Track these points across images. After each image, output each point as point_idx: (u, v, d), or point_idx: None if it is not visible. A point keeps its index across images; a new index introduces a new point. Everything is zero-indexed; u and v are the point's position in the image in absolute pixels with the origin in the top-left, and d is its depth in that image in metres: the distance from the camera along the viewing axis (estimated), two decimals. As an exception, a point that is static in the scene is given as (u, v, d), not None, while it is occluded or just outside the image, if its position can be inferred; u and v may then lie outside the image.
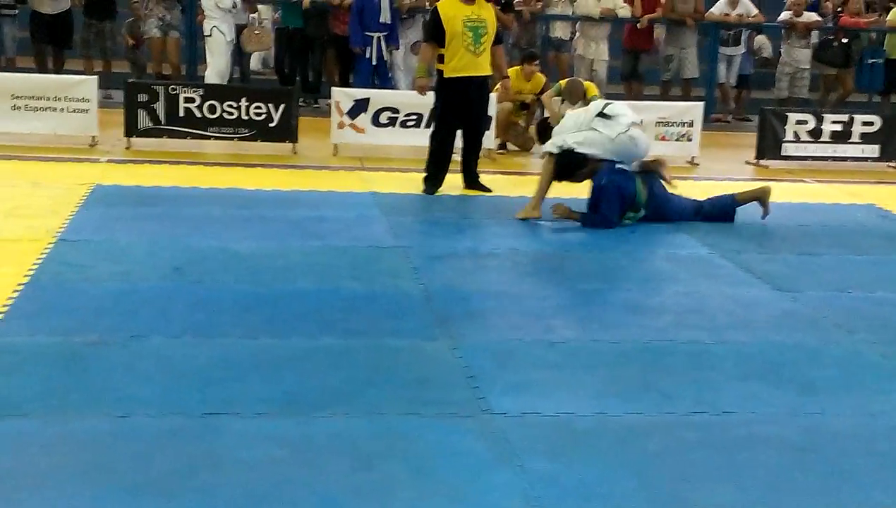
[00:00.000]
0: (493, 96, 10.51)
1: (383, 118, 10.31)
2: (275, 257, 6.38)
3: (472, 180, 8.90)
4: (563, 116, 9.76)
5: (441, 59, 8.60)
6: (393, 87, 12.42)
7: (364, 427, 4.01)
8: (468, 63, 8.53)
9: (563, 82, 10.71)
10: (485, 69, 8.68)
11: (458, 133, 8.80)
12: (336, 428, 3.98)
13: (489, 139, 10.33)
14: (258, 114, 10.06)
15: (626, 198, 7.60)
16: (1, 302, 5.20)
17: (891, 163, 10.98)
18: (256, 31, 12.86)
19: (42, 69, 12.84)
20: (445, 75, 8.61)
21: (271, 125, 10.10)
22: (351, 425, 4.02)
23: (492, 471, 3.71)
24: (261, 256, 6.39)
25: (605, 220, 7.55)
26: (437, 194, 8.57)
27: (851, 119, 11.02)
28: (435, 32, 8.56)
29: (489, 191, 8.83)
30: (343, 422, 4.04)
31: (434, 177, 8.74)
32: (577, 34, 13.75)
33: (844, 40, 14.12)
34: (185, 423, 3.95)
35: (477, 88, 8.66)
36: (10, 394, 4.13)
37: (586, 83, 10.77)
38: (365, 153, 10.24)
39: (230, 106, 10.03)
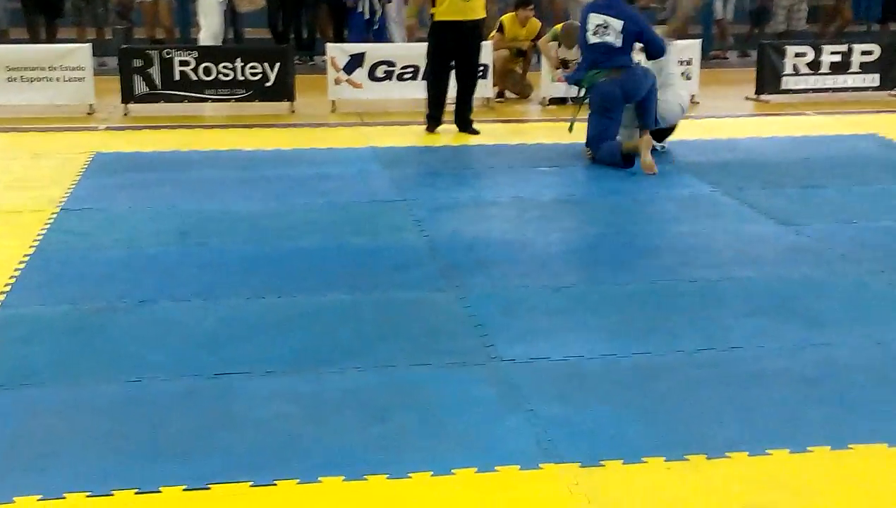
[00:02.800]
0: (488, 44, 10.48)
1: (379, 72, 10.26)
2: (277, 216, 6.39)
3: (463, 122, 9.07)
4: (560, 60, 9.77)
5: (433, 2, 8.77)
6: (388, 41, 12.33)
7: (374, 381, 4.03)
8: (459, 7, 8.69)
9: (558, 27, 10.61)
10: (476, 13, 8.81)
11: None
12: (347, 383, 4.00)
13: (487, 87, 10.30)
14: (254, 74, 10.01)
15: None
16: (8, 274, 5.22)
17: (891, 92, 10.91)
18: (248, -10, 12.75)
19: (35, 39, 12.77)
20: (436, 19, 8.80)
21: (268, 84, 10.05)
22: (361, 379, 4.05)
23: (503, 417, 3.74)
24: (263, 216, 6.39)
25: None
26: (437, 145, 8.55)
27: (850, 49, 10.95)
28: None
29: (477, 133, 9.01)
30: (353, 377, 4.06)
31: (432, 117, 9.05)
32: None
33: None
34: (197, 384, 3.98)
35: (468, 32, 8.79)
36: (24, 363, 4.16)
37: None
38: (363, 108, 10.20)
39: (226, 67, 9.98)
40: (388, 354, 4.29)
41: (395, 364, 4.20)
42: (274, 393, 3.90)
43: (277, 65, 10.02)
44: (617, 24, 7.78)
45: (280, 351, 4.31)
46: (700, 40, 11.37)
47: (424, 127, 9.06)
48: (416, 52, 10.35)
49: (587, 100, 8.04)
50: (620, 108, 7.84)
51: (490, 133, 9.14)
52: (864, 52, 10.94)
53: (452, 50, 8.82)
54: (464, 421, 3.71)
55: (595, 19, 7.84)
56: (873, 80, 10.94)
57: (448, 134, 9.01)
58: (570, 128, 8.19)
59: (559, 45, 10.32)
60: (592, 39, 7.81)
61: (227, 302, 4.90)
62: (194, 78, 9.94)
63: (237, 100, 10.06)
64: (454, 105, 9.12)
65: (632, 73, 7.78)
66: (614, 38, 7.77)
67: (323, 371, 4.12)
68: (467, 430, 3.64)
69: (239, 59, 10.01)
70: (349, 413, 3.77)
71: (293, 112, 10.07)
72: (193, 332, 4.51)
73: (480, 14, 8.88)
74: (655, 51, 7.89)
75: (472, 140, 8.81)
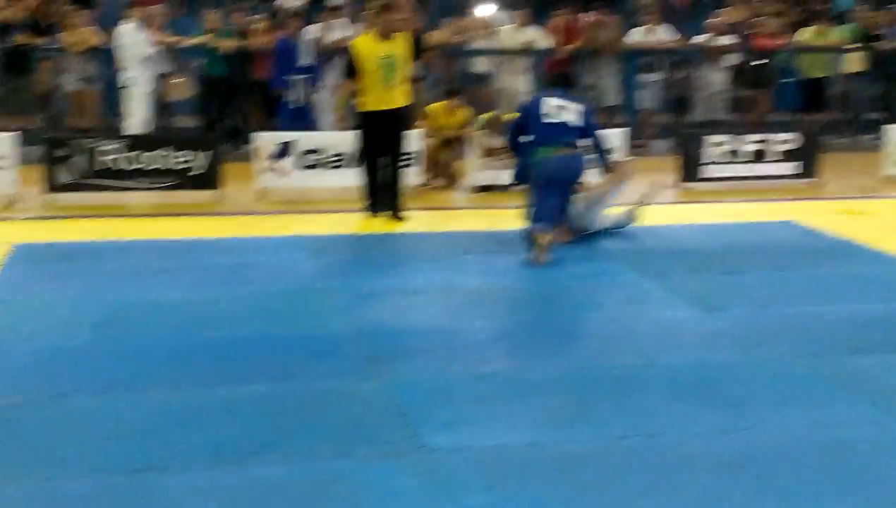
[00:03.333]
0: (417, 132, 10.60)
1: (308, 160, 10.30)
2: (202, 306, 6.32)
3: (391, 207, 9.15)
4: (488, 149, 9.95)
5: (358, 93, 8.96)
6: (317, 129, 12.41)
7: (298, 473, 3.97)
8: (383, 97, 8.89)
9: (486, 115, 10.79)
10: (398, 102, 9.01)
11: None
12: (269, 476, 3.93)
13: (417, 175, 10.38)
14: (181, 163, 9.99)
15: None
16: (-80, 369, 5.08)
17: (809, 180, 11.21)
18: (178, 80, 12.77)
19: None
20: (362, 109, 8.97)
21: (195, 173, 10.03)
22: (284, 471, 3.98)
23: (428, 509, 3.70)
24: (188, 306, 6.32)
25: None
26: (365, 233, 8.57)
27: (769, 138, 11.25)
28: (350, 69, 8.95)
29: (402, 220, 9.11)
30: (276, 469, 3.99)
31: (371, 205, 9.16)
32: (500, 68, 13.89)
33: (759, 62, 14.44)
34: (113, 482, 3.87)
35: (392, 121, 8.97)
36: (-69, 462, 4.03)
37: (510, 116, 10.85)
38: (291, 196, 10.21)
39: (152, 156, 9.94)
40: (311, 446, 4.23)
41: (319, 455, 4.14)
42: (193, 489, 3.82)
43: (205, 153, 10.01)
44: (578, 106, 8.04)
45: (200, 444, 4.22)
46: (625, 129, 11.61)
47: (363, 214, 9.14)
48: (345, 140, 10.42)
49: (525, 182, 8.15)
50: (560, 190, 7.97)
51: (419, 220, 9.19)
52: (781, 141, 11.25)
53: (377, 138, 8.98)
54: (388, 514, 3.66)
55: (552, 101, 8.04)
56: (790, 168, 11.24)
57: (376, 221, 9.04)
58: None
59: (486, 134, 10.48)
60: (548, 120, 7.98)
61: (147, 394, 4.80)
62: (120, 167, 9.89)
63: (164, 188, 10.01)
64: (384, 192, 9.20)
65: (577, 155, 7.99)
66: (575, 118, 7.98)
67: (244, 464, 4.04)
68: (391, 523, 3.60)
69: (166, 148, 9.99)
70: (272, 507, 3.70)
71: (220, 200, 10.04)
72: (111, 426, 4.40)
73: (403, 102, 9.06)
74: (601, 148, 8.17)
75: (400, 227, 8.84)
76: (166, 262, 7.43)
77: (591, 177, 8.28)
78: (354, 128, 9.22)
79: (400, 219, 9.09)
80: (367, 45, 8.94)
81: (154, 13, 12.67)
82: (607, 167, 8.27)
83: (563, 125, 7.96)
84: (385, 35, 8.94)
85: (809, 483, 3.90)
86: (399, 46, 8.99)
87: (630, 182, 8.33)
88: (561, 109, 8.01)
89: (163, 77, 12.64)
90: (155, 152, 9.95)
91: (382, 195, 9.17)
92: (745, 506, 3.71)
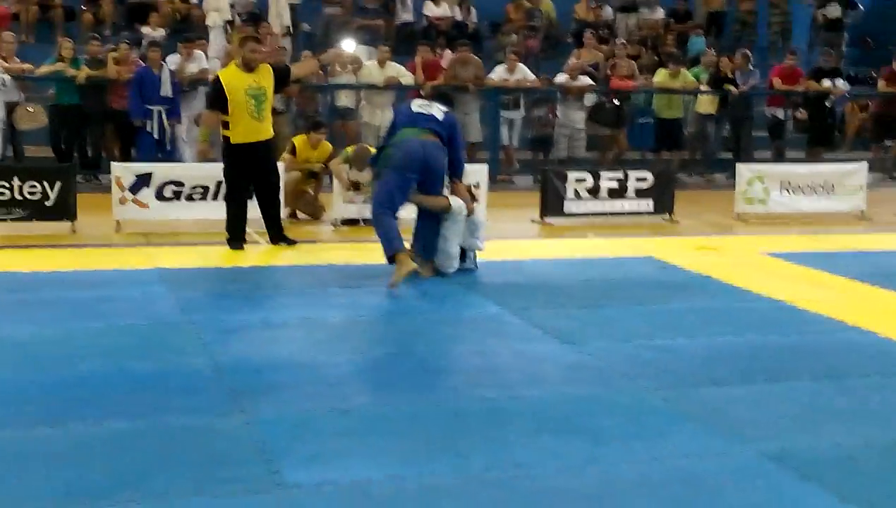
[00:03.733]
0: (280, 165, 10.52)
1: (167, 192, 10.10)
2: (55, 342, 6.10)
3: (276, 234, 9.24)
4: (351, 183, 9.96)
5: (226, 125, 8.87)
6: (178, 161, 12.19)
7: (153, 514, 3.85)
8: (253, 129, 8.91)
9: (349, 149, 10.78)
10: (268, 133, 9.09)
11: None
12: (123, 517, 3.80)
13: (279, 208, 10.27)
14: (32, 193, 9.67)
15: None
16: None
17: (665, 216, 11.55)
18: (30, 109, 12.39)
19: None
20: (232, 141, 8.92)
21: (48, 204, 9.73)
22: (139, 512, 3.86)
23: (288, 547, 3.64)
24: (39, 342, 6.09)
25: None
26: (227, 267, 8.44)
27: (626, 175, 11.56)
28: (217, 101, 8.88)
29: (294, 243, 9.25)
30: (130, 510, 3.87)
31: (235, 237, 9.09)
32: (363, 102, 13.93)
33: (616, 102, 14.87)
34: (-44, 526, 3.69)
35: (263, 151, 9.03)
36: None
37: (373, 149, 10.86)
38: (150, 229, 9.99)
39: (2, 186, 9.60)
40: (167, 484, 4.11)
41: (176, 494, 4.03)
42: (41, 532, 3.66)
43: (58, 184, 9.73)
44: (448, 117, 8.19)
45: (50, 485, 4.05)
46: (487, 165, 11.76)
47: (226, 247, 9.07)
48: (206, 173, 10.28)
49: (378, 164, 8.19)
50: (415, 175, 7.95)
51: (281, 253, 9.10)
52: (638, 179, 11.57)
53: (250, 170, 8.97)
54: (247, 553, 3.58)
55: (425, 101, 8.40)
56: (648, 204, 11.56)
57: (238, 255, 8.91)
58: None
59: (350, 168, 10.47)
60: (417, 110, 8.14)
61: (-6, 434, 4.60)
62: (-31, 197, 9.52)
63: (14, 220, 9.66)
64: (264, 222, 9.27)
65: (440, 146, 8.02)
66: (438, 115, 8.11)
67: (97, 505, 3.90)
68: (250, 562, 3.52)
69: (16, 178, 9.65)
70: (124, 549, 3.57)
71: (75, 232, 9.75)
72: (-47, 468, 4.20)
73: (270, 133, 9.13)
74: (458, 159, 8.23)
75: (262, 260, 8.74)
76: (17, 296, 7.16)
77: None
78: (223, 160, 9.15)
79: (292, 242, 9.22)
80: (233, 76, 8.90)
81: (4, 40, 12.28)
82: (454, 182, 8.24)
83: (432, 116, 8.13)
84: (249, 67, 8.87)
85: (666, 513, 3.99)
86: (265, 77, 8.98)
87: (468, 209, 8.26)
88: (431, 107, 8.21)
89: (13, 106, 12.24)
90: (4, 182, 9.59)
91: (267, 226, 9.25)
92: (604, 537, 3.76)
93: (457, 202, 8.11)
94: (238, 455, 4.45)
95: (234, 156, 8.93)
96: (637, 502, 4.08)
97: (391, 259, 7.79)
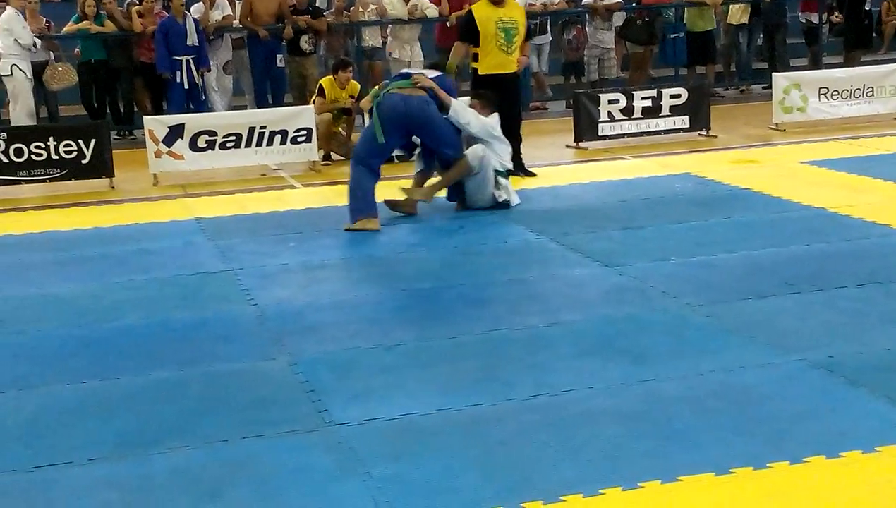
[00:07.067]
0: (311, 108, 10.49)
1: (201, 142, 10.09)
2: (98, 297, 6.17)
3: (517, 165, 9.15)
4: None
5: (475, 57, 9.11)
6: (209, 110, 12.19)
7: (205, 458, 3.91)
8: (502, 61, 9.15)
9: (376, 88, 10.70)
10: (514, 65, 9.30)
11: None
12: (175, 463, 3.87)
13: (312, 151, 10.29)
14: (69, 152, 9.71)
15: None
16: None
17: (701, 132, 11.40)
18: (59, 68, 12.41)
19: None
20: (480, 73, 9.17)
21: (84, 162, 9.77)
22: (190, 457, 3.92)
23: (339, 483, 3.68)
24: (84, 298, 6.17)
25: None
26: (263, 212, 8.45)
27: (660, 93, 11.39)
28: (468, 33, 9.17)
29: (534, 175, 9.41)
30: (182, 456, 3.93)
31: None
32: (390, 39, 13.80)
33: (647, 18, 14.61)
34: (15, 480, 3.78)
35: (510, 83, 9.24)
36: None
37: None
38: (186, 179, 10.02)
39: (38, 147, 9.65)
40: (217, 429, 4.17)
41: (225, 438, 4.09)
42: (97, 482, 3.74)
43: (93, 141, 9.76)
44: (435, 74, 8.23)
45: (103, 436, 4.13)
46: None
47: (262, 193, 9.04)
48: (238, 121, 10.28)
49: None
50: (398, 135, 7.96)
51: (318, 195, 9.12)
52: (672, 96, 11.40)
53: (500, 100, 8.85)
54: (299, 491, 3.64)
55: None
56: (683, 121, 11.40)
57: (270, 200, 8.92)
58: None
59: (380, 105, 10.40)
60: (405, 71, 8.39)
61: (45, 390, 4.68)
62: (5, 160, 9.58)
63: (52, 179, 9.74)
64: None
65: (423, 98, 7.89)
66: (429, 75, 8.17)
67: (149, 453, 3.97)
68: (303, 499, 3.58)
69: (52, 138, 9.70)
70: (179, 494, 3.64)
71: (113, 188, 9.81)
72: (7, 425, 4.29)
73: (516, 67, 9.31)
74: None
75: (299, 203, 8.74)
76: (59, 255, 7.24)
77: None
78: (472, 89, 9.19)
79: (531, 174, 9.39)
80: (485, 9, 9.15)
81: (29, 0, 12.27)
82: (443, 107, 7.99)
83: (405, 73, 8.35)
84: (498, 2, 9.10)
85: (711, 427, 3.98)
86: (516, 11, 9.24)
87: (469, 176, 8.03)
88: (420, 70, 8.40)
89: (43, 66, 12.28)
90: (40, 143, 9.65)
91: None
92: (651, 453, 3.77)
93: (474, 155, 7.96)
94: (285, 397, 4.49)
95: (483, 87, 8.97)
96: (683, 417, 4.08)
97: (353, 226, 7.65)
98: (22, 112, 11.79)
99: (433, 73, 8.27)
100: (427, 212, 7.98)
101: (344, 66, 10.98)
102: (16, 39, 11.70)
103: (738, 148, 10.69)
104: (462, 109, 8.00)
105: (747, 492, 3.49)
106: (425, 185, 8.17)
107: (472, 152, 7.91)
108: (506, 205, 8.04)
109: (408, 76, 8.19)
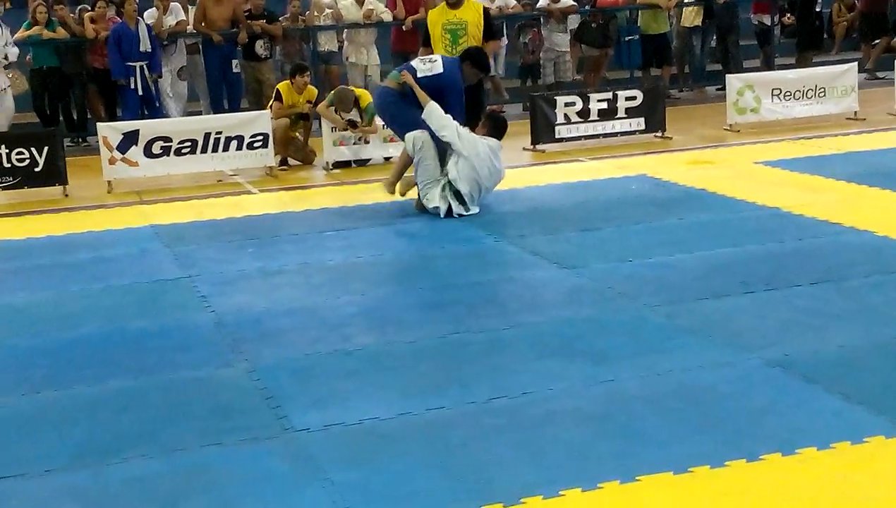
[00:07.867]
0: (267, 113, 10.45)
1: (156, 148, 10.00)
2: (53, 306, 6.10)
3: None
4: (347, 123, 9.96)
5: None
6: (164, 116, 12.09)
7: (162, 467, 3.88)
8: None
9: (334, 91, 10.69)
10: None
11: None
12: (132, 473, 3.83)
13: (269, 156, 10.24)
14: (21, 160, 9.59)
15: None
16: None
17: (657, 134, 11.47)
18: (10, 75, 12.25)
19: None
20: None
21: (37, 169, 9.65)
22: (148, 467, 3.89)
23: (299, 490, 3.67)
24: (39, 306, 6.10)
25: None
26: (220, 219, 8.38)
27: (615, 95, 11.46)
28: (425, 36, 9.39)
29: None
30: (139, 465, 3.90)
31: None
32: (346, 43, 13.77)
33: (601, 21, 14.68)
34: (-32, 494, 3.72)
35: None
36: None
37: (358, 91, 10.78)
38: (141, 186, 9.93)
39: (-9, 155, 9.54)
40: (175, 438, 4.14)
41: (183, 447, 4.06)
42: (53, 493, 3.70)
43: (46, 148, 9.64)
44: (441, 64, 8.35)
45: (60, 447, 4.09)
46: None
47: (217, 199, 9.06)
48: (194, 127, 10.21)
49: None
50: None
51: (275, 201, 9.08)
52: (628, 98, 11.46)
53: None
54: (259, 499, 3.62)
55: (421, 59, 8.58)
56: (639, 123, 11.47)
57: (227, 206, 8.87)
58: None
59: (336, 110, 10.39)
60: (413, 65, 8.43)
61: (0, 401, 4.61)
62: (-43, 168, 9.47)
63: (5, 187, 9.61)
64: None
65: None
66: (438, 68, 8.30)
67: (107, 462, 3.93)
68: None
69: (3, 146, 9.57)
70: (137, 504, 3.61)
71: (67, 196, 9.70)
72: (-38, 438, 4.22)
73: None
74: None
75: (255, 209, 8.68)
76: (12, 264, 7.15)
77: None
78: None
79: None
80: (437, 13, 9.27)
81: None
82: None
83: (409, 66, 8.44)
84: (455, 4, 9.14)
85: (670, 427, 4.00)
86: (469, 12, 9.20)
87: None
88: (431, 63, 8.39)
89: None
90: (-7, 151, 9.54)
91: None
92: (611, 454, 3.79)
93: (409, 139, 8.01)
94: (244, 404, 4.47)
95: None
96: (643, 416, 4.10)
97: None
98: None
99: (436, 57, 8.48)
100: (385, 216, 7.96)
101: (301, 70, 10.93)
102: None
103: (694, 149, 10.78)
104: (435, 115, 7.96)
105: (705, 491, 3.52)
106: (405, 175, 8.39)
107: (409, 136, 8.03)
108: (437, 212, 7.91)
109: (405, 68, 8.42)
